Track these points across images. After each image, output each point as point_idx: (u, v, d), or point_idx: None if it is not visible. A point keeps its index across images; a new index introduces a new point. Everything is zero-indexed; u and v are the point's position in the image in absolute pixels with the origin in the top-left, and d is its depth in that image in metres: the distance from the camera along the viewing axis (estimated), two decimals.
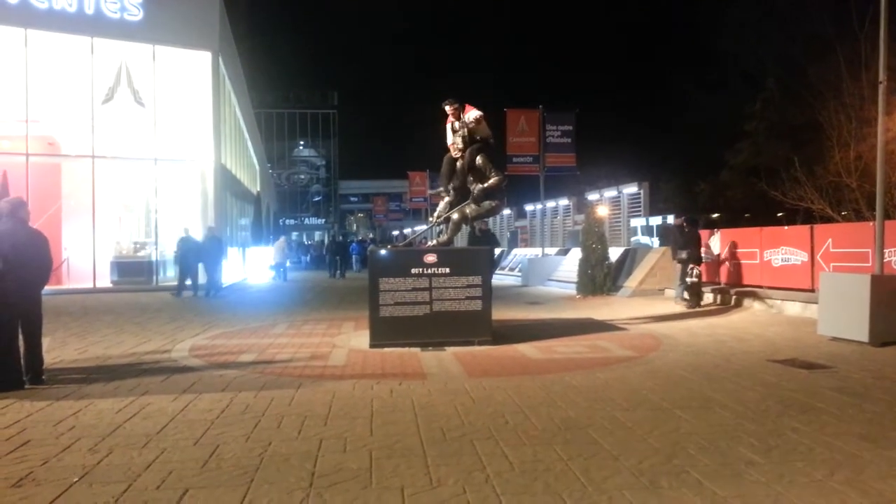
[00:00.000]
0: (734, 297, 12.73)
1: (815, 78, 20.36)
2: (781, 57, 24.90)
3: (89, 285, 18.57)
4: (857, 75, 16.94)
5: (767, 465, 4.12)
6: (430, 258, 8.69)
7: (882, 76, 9.62)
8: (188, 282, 16.65)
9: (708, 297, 13.22)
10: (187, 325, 11.17)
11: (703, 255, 13.49)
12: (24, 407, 5.69)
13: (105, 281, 18.95)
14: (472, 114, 9.40)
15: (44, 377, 6.58)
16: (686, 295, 12.98)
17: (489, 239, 16.68)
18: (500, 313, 10.14)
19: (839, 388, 6.15)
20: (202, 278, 17.12)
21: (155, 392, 6.22)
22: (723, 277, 13.94)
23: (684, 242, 13.19)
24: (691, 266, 12.96)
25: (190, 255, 16.85)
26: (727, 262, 13.81)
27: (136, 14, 19.26)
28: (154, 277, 19.52)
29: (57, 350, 8.52)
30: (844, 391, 6.02)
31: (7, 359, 6.31)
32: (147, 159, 20.05)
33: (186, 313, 13.14)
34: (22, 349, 6.47)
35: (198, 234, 17.79)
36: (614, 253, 16.87)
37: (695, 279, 12.90)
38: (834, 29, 19.50)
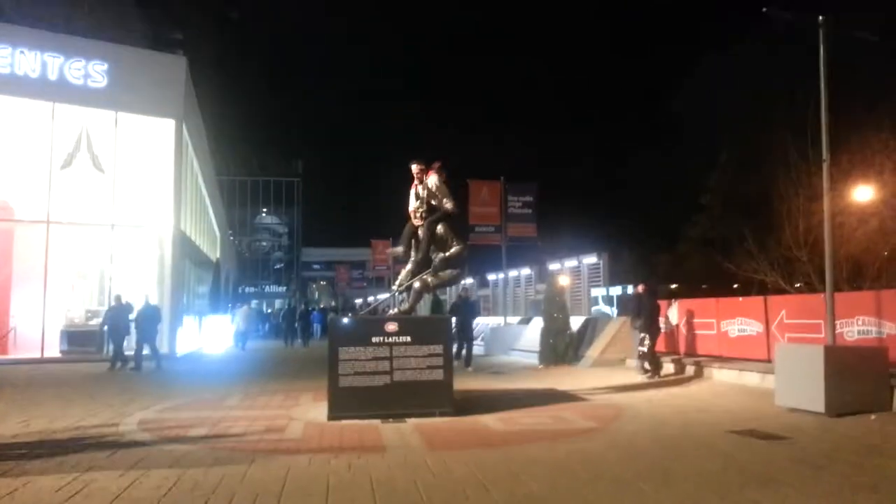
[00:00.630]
0: (693, 367, 12.83)
1: (765, 152, 21.25)
2: (734, 129, 26.02)
3: (37, 355, 17.87)
4: (804, 152, 17.75)
5: None
6: (391, 327, 8.61)
7: (825, 154, 10.12)
8: (129, 353, 15.82)
9: (668, 367, 13.30)
10: (138, 397, 10.75)
11: (661, 324, 13.60)
12: None
13: (54, 350, 18.24)
14: (432, 178, 9.50)
15: None
16: (646, 365, 13.03)
17: (471, 307, 16.22)
18: (462, 383, 10.03)
19: (798, 459, 6.18)
20: (145, 348, 16.00)
21: (100, 468, 5.92)
22: (681, 347, 14.09)
23: (640, 311, 13.28)
24: (643, 336, 13.03)
25: (122, 324, 15.99)
26: (685, 332, 13.99)
27: (100, 81, 19.26)
28: (106, 347, 18.87)
29: None
30: (803, 462, 6.05)
31: None
32: (104, 225, 19.71)
33: (137, 385, 12.69)
34: None
35: (151, 301, 17.07)
36: (576, 322, 16.96)
37: (644, 349, 12.91)
38: (782, 104, 20.49)
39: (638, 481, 5.41)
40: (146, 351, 15.81)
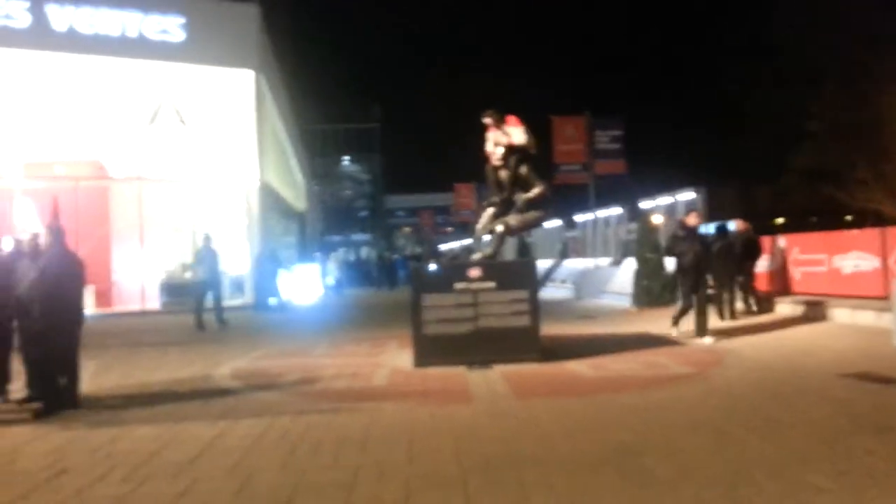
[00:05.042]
0: (802, 306, 12.01)
1: (878, 73, 19.40)
2: (842, 51, 23.81)
3: (138, 307, 18.82)
4: None
5: (839, 492, 3.76)
6: (475, 272, 8.40)
7: None
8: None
9: (774, 308, 12.61)
10: (231, 348, 11.08)
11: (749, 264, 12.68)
12: (63, 434, 5.66)
13: (154, 303, 19.17)
14: (516, 132, 9.10)
15: (80, 402, 6.53)
16: (738, 305, 12.47)
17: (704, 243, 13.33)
18: (549, 328, 9.77)
19: None
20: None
21: (192, 418, 6.09)
22: (788, 286, 13.22)
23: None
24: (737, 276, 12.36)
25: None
26: (793, 270, 13.11)
27: (177, 35, 19.65)
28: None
29: (102, 375, 8.51)
30: None
31: (50, 385, 6.31)
32: (192, 180, 20.32)
33: (229, 335, 13.09)
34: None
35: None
36: (671, 263, 16.23)
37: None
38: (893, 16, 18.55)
39: (739, 430, 5.06)
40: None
